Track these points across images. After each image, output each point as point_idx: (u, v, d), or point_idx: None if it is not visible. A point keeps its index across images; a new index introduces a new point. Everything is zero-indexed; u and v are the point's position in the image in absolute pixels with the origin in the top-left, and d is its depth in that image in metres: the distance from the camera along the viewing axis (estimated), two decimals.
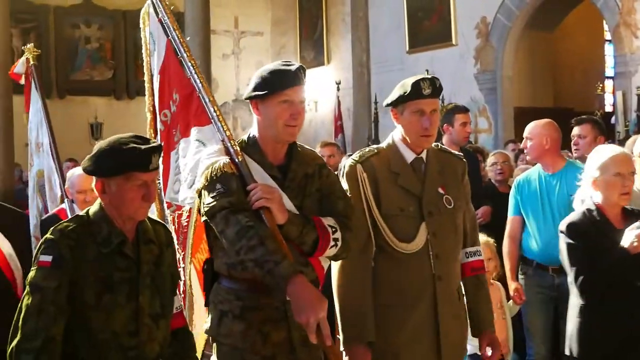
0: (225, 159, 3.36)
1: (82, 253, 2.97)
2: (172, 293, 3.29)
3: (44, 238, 3.04)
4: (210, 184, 3.30)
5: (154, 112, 4.31)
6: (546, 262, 5.53)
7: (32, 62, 6.28)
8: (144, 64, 4.36)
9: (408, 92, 3.63)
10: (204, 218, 3.33)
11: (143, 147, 3.00)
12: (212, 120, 3.62)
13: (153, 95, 4.30)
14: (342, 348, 3.62)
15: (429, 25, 14.53)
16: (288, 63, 3.46)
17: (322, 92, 16.88)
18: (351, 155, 4.21)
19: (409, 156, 3.73)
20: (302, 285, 3.03)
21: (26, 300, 2.94)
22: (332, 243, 3.37)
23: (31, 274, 2.99)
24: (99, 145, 3.08)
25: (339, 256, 3.48)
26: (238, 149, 3.40)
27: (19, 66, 6.51)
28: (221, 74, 17.21)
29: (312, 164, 3.54)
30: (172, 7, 4.05)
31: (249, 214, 3.21)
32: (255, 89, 3.41)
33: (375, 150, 3.78)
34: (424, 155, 3.75)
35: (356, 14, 15.63)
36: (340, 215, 3.45)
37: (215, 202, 3.23)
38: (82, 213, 3.16)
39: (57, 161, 5.89)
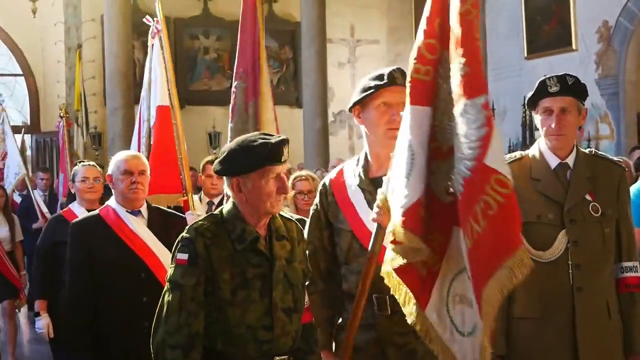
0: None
1: (217, 250, 3.04)
2: (304, 288, 3.32)
3: (180, 236, 3.12)
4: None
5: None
6: None
7: None
8: None
9: (534, 91, 3.56)
10: None
11: (274, 140, 3.05)
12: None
13: None
14: None
15: (547, 30, 14.23)
16: (386, 68, 3.44)
17: None
18: None
19: (553, 161, 3.59)
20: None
21: (167, 297, 3.02)
22: None
23: (170, 271, 3.08)
24: (228, 147, 3.13)
25: None
26: None
27: None
28: (337, 83, 17.23)
29: None
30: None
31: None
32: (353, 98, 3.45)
33: (518, 156, 3.68)
34: (570, 160, 3.59)
35: None
36: None
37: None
38: (215, 212, 3.22)
39: None
